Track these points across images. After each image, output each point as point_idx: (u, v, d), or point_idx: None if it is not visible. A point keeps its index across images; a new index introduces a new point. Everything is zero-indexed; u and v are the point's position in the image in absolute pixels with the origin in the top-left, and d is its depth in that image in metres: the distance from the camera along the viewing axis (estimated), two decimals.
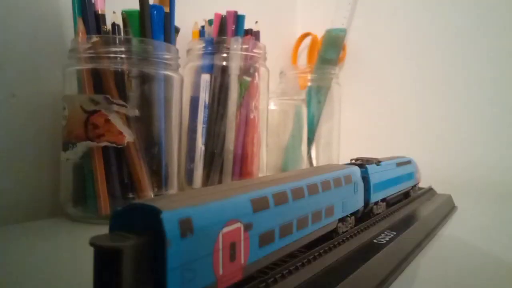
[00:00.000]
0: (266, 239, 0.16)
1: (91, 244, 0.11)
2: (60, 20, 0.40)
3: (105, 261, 0.11)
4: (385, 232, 0.28)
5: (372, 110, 0.72)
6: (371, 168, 0.28)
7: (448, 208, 0.42)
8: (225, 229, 0.13)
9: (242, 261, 0.14)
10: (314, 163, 0.67)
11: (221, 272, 0.13)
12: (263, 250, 0.16)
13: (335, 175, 0.23)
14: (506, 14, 0.61)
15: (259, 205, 0.15)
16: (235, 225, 0.14)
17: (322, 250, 0.21)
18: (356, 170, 0.26)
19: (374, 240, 0.26)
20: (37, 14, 0.38)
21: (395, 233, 0.28)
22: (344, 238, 0.24)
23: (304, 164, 0.62)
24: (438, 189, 0.47)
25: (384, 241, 0.26)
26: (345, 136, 0.69)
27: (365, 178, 0.28)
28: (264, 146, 0.50)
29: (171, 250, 0.11)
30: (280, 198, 0.17)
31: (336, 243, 0.23)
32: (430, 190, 0.45)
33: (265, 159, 0.51)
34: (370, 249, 0.24)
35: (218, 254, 0.13)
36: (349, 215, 0.25)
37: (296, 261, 0.19)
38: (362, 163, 0.28)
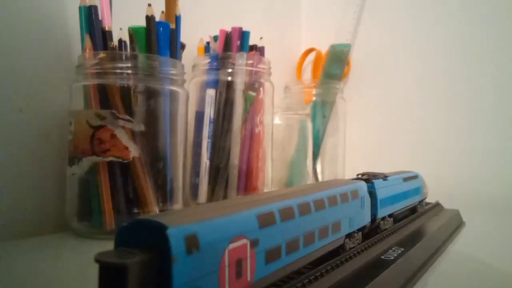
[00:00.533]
0: (272, 255, 0.16)
1: (96, 260, 0.11)
2: (67, 37, 0.41)
3: (110, 277, 0.11)
4: (393, 248, 0.27)
5: (377, 124, 0.72)
6: (377, 183, 0.28)
7: (456, 223, 0.42)
8: (231, 246, 0.13)
9: (249, 278, 0.14)
10: (320, 178, 0.67)
11: None
12: (269, 266, 0.15)
13: (342, 190, 0.23)
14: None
15: (265, 221, 0.15)
16: (242, 241, 0.14)
17: (329, 267, 0.21)
18: (363, 185, 0.26)
19: (382, 257, 0.25)
20: (44, 30, 0.39)
21: (403, 249, 0.27)
22: (352, 255, 0.24)
23: (310, 179, 0.61)
24: (446, 204, 0.46)
25: (392, 258, 0.25)
26: (350, 150, 0.69)
27: (372, 193, 0.27)
28: (269, 160, 0.50)
29: (176, 267, 0.11)
30: (287, 214, 0.17)
31: (343, 259, 0.22)
32: (437, 205, 0.45)
33: (270, 174, 0.51)
34: (377, 266, 0.23)
35: (224, 271, 0.13)
36: (356, 231, 0.25)
37: (303, 278, 0.19)
38: (368, 178, 0.28)
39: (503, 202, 0.54)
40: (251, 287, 0.14)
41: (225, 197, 0.45)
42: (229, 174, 0.45)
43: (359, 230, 0.25)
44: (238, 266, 0.13)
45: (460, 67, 0.64)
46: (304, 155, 0.60)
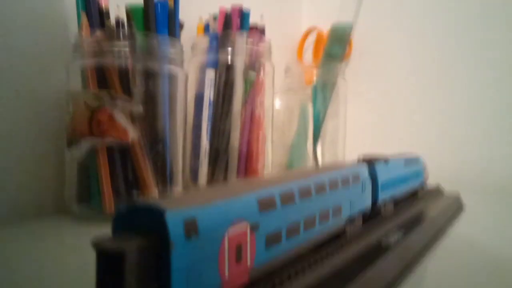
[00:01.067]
0: (273, 240, 0.15)
1: (93, 245, 0.11)
2: (63, 15, 0.40)
3: (108, 263, 0.11)
4: (393, 232, 0.27)
5: (378, 106, 0.72)
6: (379, 166, 0.28)
7: (456, 207, 0.42)
8: (231, 230, 0.13)
9: (249, 263, 0.14)
10: (320, 160, 0.66)
11: (227, 274, 0.13)
12: (270, 251, 0.15)
13: (343, 173, 0.22)
14: None
15: (266, 205, 0.15)
16: (242, 225, 0.13)
17: (330, 251, 0.21)
18: (364, 168, 0.26)
19: (382, 240, 0.25)
20: (40, 9, 0.38)
21: (403, 232, 0.27)
22: (352, 239, 0.23)
23: (310, 162, 0.61)
24: (446, 187, 0.46)
25: (392, 241, 0.25)
26: (351, 133, 0.68)
27: (373, 177, 0.27)
28: (269, 143, 0.50)
29: (175, 252, 0.11)
30: (287, 198, 0.17)
31: (343, 243, 0.22)
32: (437, 188, 0.45)
33: (270, 157, 0.50)
34: (378, 250, 0.23)
35: (224, 256, 0.13)
36: (356, 215, 0.25)
37: (303, 262, 0.18)
38: (369, 161, 0.27)
39: (503, 185, 0.54)
40: (251, 271, 0.14)
41: (225, 180, 0.45)
42: (229, 156, 0.45)
43: (359, 213, 0.25)
44: (238, 250, 0.13)
45: (464, 48, 0.63)
46: (304, 137, 0.60)
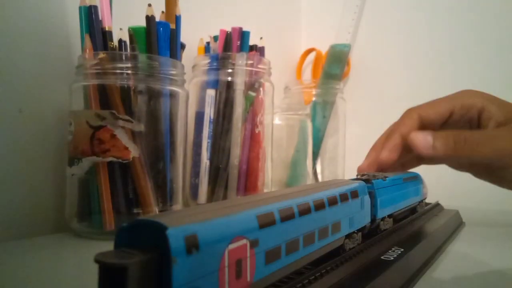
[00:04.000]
0: (272, 255, 0.16)
1: (96, 261, 0.11)
2: (67, 37, 0.41)
3: (110, 278, 0.11)
4: (393, 249, 0.27)
5: (377, 124, 0.72)
6: (377, 183, 0.28)
7: (456, 224, 0.42)
8: (231, 246, 0.13)
9: (248, 279, 0.14)
10: (320, 178, 0.67)
11: None
12: (269, 267, 0.16)
13: (342, 190, 0.23)
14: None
15: (265, 221, 0.15)
16: (241, 241, 0.14)
17: (329, 267, 0.21)
18: (363, 185, 0.26)
19: (382, 257, 0.25)
20: (44, 30, 0.39)
21: (402, 249, 0.27)
22: (351, 255, 0.24)
23: (310, 179, 0.61)
24: (445, 205, 0.46)
25: (392, 258, 0.25)
26: (350, 150, 0.69)
27: (372, 194, 0.27)
28: (269, 161, 0.50)
29: (176, 267, 0.11)
30: (286, 214, 0.17)
31: (343, 260, 0.22)
32: (437, 205, 0.45)
33: (270, 174, 0.51)
34: (377, 266, 0.23)
35: (224, 271, 0.13)
36: (356, 231, 0.25)
37: (302, 278, 0.19)
38: (368, 178, 0.28)
39: (502, 202, 0.54)
40: (251, 287, 0.14)
41: (225, 197, 0.45)
42: (229, 174, 0.45)
43: (358, 230, 0.25)
44: (238, 266, 0.13)
45: (461, 67, 0.64)
46: (304, 155, 0.60)
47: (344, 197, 0.23)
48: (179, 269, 0.11)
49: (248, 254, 0.14)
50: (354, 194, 0.24)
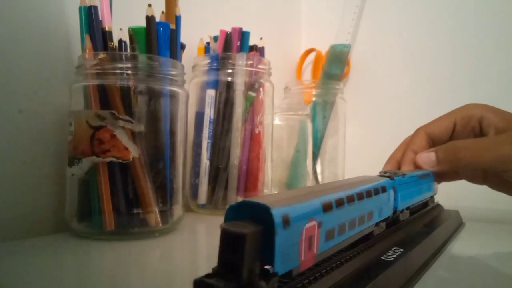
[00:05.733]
0: (330, 235, 0.20)
1: (222, 228, 0.14)
2: (67, 37, 0.41)
3: (231, 242, 0.14)
4: (393, 249, 0.27)
5: (377, 124, 0.72)
6: (398, 179, 0.31)
7: (456, 224, 0.42)
8: (307, 225, 0.17)
9: (315, 251, 0.18)
10: (319, 178, 0.67)
11: (303, 258, 0.17)
12: (327, 243, 0.20)
13: (375, 185, 0.26)
14: None
15: (327, 207, 0.19)
16: (313, 222, 0.18)
17: (329, 267, 0.21)
18: (388, 181, 0.29)
19: (382, 257, 0.25)
20: (44, 30, 0.39)
21: (402, 249, 0.27)
22: (352, 255, 0.24)
23: (309, 179, 0.61)
24: (445, 205, 0.46)
25: (392, 258, 0.25)
26: (350, 150, 0.69)
27: (394, 189, 0.30)
28: (269, 161, 0.50)
29: (278, 238, 0.15)
30: (340, 202, 0.21)
31: (342, 260, 0.23)
32: (437, 205, 0.45)
33: (270, 174, 0.51)
34: (377, 267, 0.23)
35: (302, 244, 0.17)
36: (382, 221, 0.28)
37: (302, 278, 0.19)
38: (390, 175, 0.31)
39: (502, 202, 0.54)
40: (316, 257, 0.19)
41: (224, 197, 0.45)
42: (229, 174, 0.45)
43: (383, 220, 0.28)
44: (310, 241, 0.17)
45: (460, 67, 0.64)
46: (304, 155, 0.60)
47: (376, 191, 0.26)
48: (279, 239, 0.15)
49: (316, 233, 0.18)
50: (383, 189, 0.27)
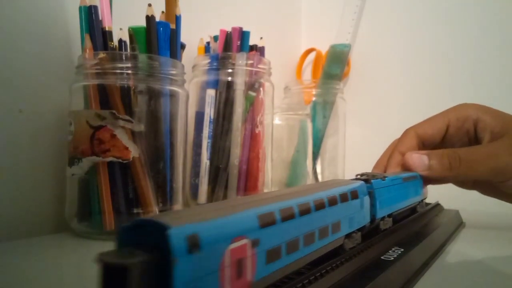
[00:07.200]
0: (273, 255, 0.16)
1: (98, 260, 0.11)
2: (67, 37, 0.41)
3: (111, 277, 0.11)
4: (393, 249, 0.27)
5: (377, 125, 0.72)
6: (376, 183, 0.28)
7: (456, 224, 0.42)
8: (232, 245, 0.13)
9: (249, 278, 0.14)
10: (320, 178, 0.67)
11: None
12: (270, 266, 0.16)
13: (342, 190, 0.23)
14: None
15: (266, 220, 0.15)
16: (242, 241, 0.14)
17: (329, 267, 0.21)
18: (362, 185, 0.26)
19: (382, 257, 0.25)
20: (44, 30, 0.39)
21: (402, 249, 0.27)
22: (351, 255, 0.24)
23: (310, 179, 0.61)
24: (445, 205, 0.46)
25: (392, 258, 0.25)
26: (350, 150, 0.69)
27: (371, 193, 0.27)
28: (269, 161, 0.50)
29: (178, 267, 0.11)
30: (287, 214, 0.17)
31: (343, 260, 0.22)
32: (437, 205, 0.45)
33: (270, 174, 0.51)
34: (377, 266, 0.23)
35: (225, 271, 0.13)
36: (355, 231, 0.25)
37: (302, 278, 0.18)
38: (367, 178, 0.28)
39: (503, 202, 0.53)
40: (252, 287, 0.14)
41: (225, 197, 0.45)
42: (229, 174, 0.45)
43: (358, 230, 0.25)
44: (239, 266, 0.13)
45: (460, 67, 0.64)
46: (304, 155, 0.60)
47: (344, 197, 0.22)
48: (180, 269, 0.11)
49: (249, 254, 0.14)
50: (354, 194, 0.24)
